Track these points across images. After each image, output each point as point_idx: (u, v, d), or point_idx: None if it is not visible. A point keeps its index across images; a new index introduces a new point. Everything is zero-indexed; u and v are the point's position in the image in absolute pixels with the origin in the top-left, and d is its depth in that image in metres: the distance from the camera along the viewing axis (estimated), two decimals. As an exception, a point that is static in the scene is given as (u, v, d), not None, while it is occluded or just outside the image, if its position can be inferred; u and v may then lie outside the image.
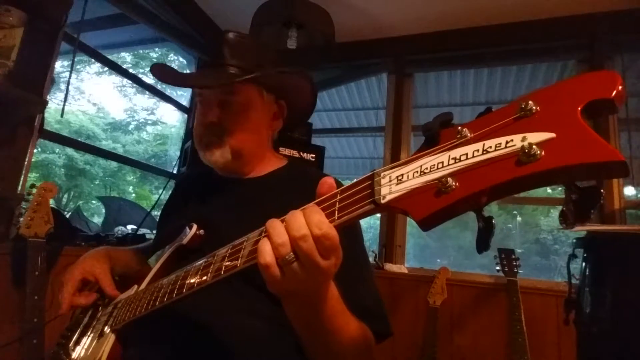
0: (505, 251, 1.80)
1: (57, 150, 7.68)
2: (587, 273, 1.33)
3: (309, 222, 0.44)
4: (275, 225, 0.46)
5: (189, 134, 2.35)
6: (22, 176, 1.49)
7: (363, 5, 2.24)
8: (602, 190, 0.30)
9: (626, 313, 1.19)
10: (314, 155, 1.97)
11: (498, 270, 1.79)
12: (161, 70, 0.87)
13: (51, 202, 1.38)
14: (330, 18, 2.01)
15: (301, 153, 1.93)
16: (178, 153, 2.35)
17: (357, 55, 2.64)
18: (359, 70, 2.84)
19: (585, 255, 1.35)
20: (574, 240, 1.40)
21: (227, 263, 0.53)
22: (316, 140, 2.11)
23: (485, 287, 1.89)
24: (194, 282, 0.58)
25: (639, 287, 1.17)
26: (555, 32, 2.17)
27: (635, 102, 2.13)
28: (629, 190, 2.09)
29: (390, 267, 2.13)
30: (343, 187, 0.46)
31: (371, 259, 2.17)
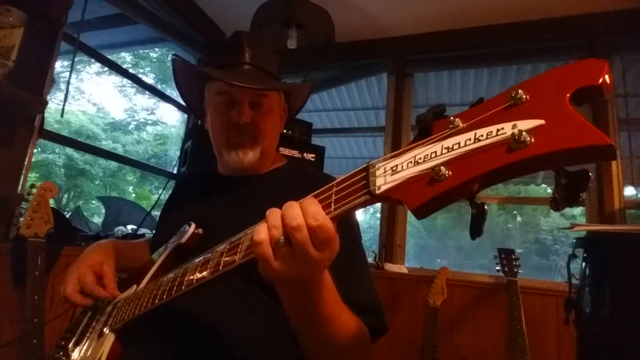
0: (505, 251, 1.80)
1: (57, 150, 7.70)
2: (587, 273, 1.32)
3: (305, 213, 0.45)
4: (274, 211, 0.48)
5: (189, 134, 2.35)
6: (22, 176, 1.49)
7: (363, 5, 2.24)
8: (589, 173, 0.30)
9: (626, 313, 1.18)
10: (314, 155, 1.97)
11: (498, 270, 1.79)
12: (183, 65, 0.93)
13: (51, 202, 1.38)
14: (330, 18, 2.01)
15: (301, 153, 1.93)
16: (178, 153, 2.35)
17: (357, 56, 2.64)
18: (359, 70, 2.84)
19: (585, 255, 1.35)
20: (574, 240, 1.40)
21: (226, 258, 0.53)
22: (316, 140, 2.11)
23: (485, 287, 1.89)
24: (192, 279, 0.58)
25: (639, 287, 1.17)
26: (555, 32, 2.17)
27: (635, 102, 2.13)
28: (629, 190, 2.08)
29: (390, 267, 2.13)
30: (339, 180, 0.47)
31: (371, 259, 2.17)
